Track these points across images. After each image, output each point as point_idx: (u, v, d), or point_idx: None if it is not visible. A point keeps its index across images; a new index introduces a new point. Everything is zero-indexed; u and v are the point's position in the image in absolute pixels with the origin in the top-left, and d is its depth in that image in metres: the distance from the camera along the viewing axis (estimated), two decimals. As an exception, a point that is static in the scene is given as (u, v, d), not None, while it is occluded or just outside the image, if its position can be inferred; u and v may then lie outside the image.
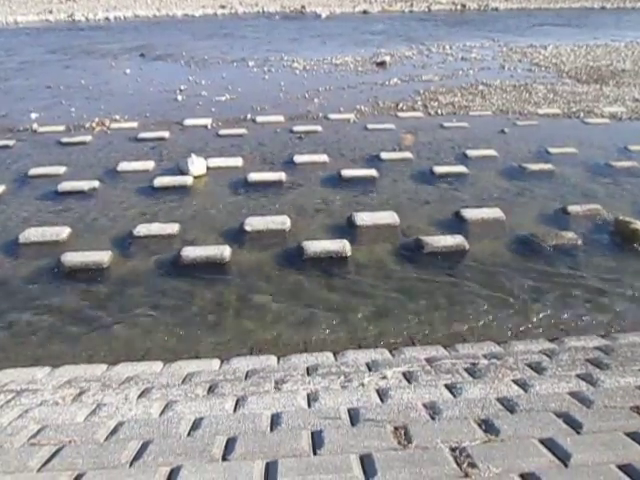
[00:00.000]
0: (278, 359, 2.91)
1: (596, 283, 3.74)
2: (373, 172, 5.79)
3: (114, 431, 1.97)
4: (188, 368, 2.80)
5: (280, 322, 3.36)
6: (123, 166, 6.03)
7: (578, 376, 2.32)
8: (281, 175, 5.72)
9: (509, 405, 2.05)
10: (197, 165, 5.77)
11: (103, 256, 4.08)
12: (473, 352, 2.86)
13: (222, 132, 7.31)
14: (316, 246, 4.15)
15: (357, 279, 3.83)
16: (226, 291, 3.71)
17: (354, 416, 1.99)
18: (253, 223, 4.58)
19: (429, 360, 2.66)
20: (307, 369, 2.61)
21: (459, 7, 22.95)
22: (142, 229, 4.51)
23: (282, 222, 4.61)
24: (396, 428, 1.87)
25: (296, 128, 7.38)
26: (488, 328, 3.28)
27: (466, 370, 2.46)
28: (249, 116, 7.98)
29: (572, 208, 4.84)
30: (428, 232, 4.48)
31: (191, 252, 4.10)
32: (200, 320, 3.41)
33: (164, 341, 3.21)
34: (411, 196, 5.26)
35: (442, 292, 3.66)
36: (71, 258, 4.06)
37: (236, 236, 4.48)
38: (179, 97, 9.11)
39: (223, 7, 22.61)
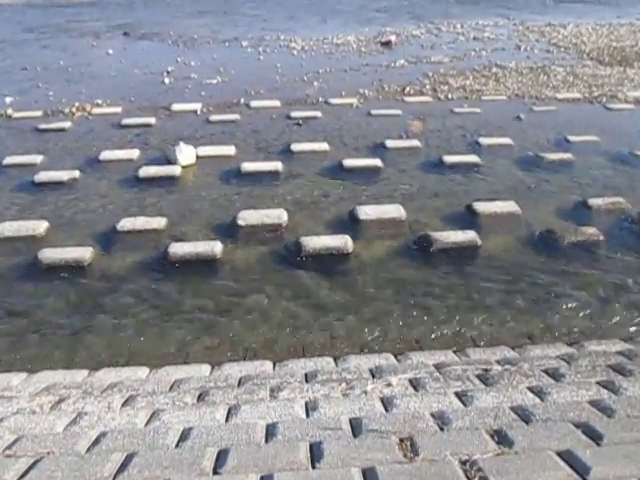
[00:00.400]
0: (274, 365, 2.91)
1: (620, 283, 3.74)
2: (377, 162, 5.78)
3: (96, 442, 1.97)
4: (176, 374, 2.80)
5: (276, 325, 3.37)
6: (105, 155, 6.02)
7: (599, 383, 2.33)
8: (277, 165, 5.70)
9: (524, 415, 2.05)
10: (186, 154, 5.76)
11: (84, 253, 4.08)
12: (485, 357, 2.86)
13: (213, 118, 7.29)
14: (315, 242, 4.15)
15: (360, 278, 3.84)
16: (217, 291, 3.71)
17: (356, 426, 2.00)
18: (247, 217, 4.58)
19: (438, 366, 2.66)
20: (305, 375, 2.62)
21: (471, -18, 22.85)
22: (126, 223, 4.51)
23: (278, 216, 4.60)
24: (402, 439, 1.87)
25: (294, 114, 7.35)
26: (502, 333, 3.28)
27: (478, 377, 2.46)
28: (242, 101, 7.96)
29: (593, 201, 4.84)
30: (437, 227, 4.47)
31: (179, 248, 4.09)
32: (189, 322, 3.41)
33: (150, 345, 3.21)
34: (419, 188, 5.26)
35: (452, 293, 3.66)
36: (49, 255, 4.05)
37: (228, 231, 4.47)
38: (166, 80, 9.09)
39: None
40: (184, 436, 1.98)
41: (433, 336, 3.25)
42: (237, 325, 3.37)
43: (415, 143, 6.32)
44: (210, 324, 3.39)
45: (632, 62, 9.95)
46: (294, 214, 4.73)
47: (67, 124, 7.04)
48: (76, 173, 5.57)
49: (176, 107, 7.71)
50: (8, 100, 8.00)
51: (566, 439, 1.85)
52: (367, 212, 4.63)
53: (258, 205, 4.90)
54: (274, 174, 5.56)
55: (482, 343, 3.17)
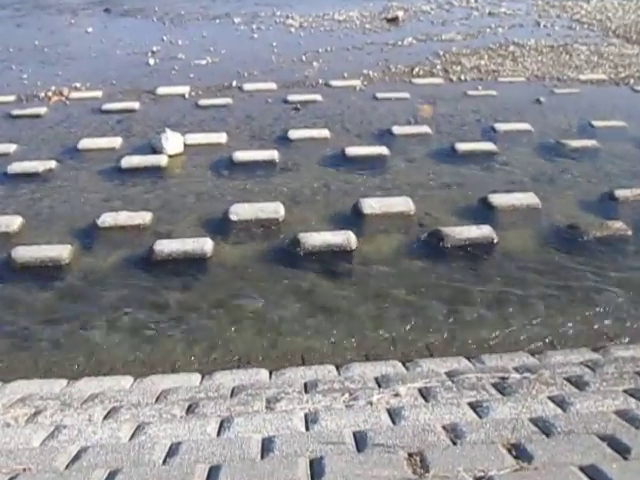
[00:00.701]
0: (270, 373, 2.91)
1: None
2: (383, 150, 5.77)
3: (76, 458, 1.98)
4: (163, 384, 2.80)
5: (272, 329, 3.37)
6: (85, 143, 6.02)
7: (626, 392, 2.32)
8: (273, 154, 5.69)
9: (544, 427, 2.05)
10: (173, 142, 5.76)
11: (61, 251, 4.08)
12: (502, 364, 2.86)
13: (202, 102, 7.28)
14: (315, 239, 4.15)
15: (364, 278, 3.84)
16: (208, 293, 3.71)
17: (360, 440, 2.00)
18: (240, 211, 4.57)
19: (450, 374, 2.67)
20: (305, 385, 2.62)
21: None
22: (108, 219, 4.51)
23: (274, 210, 4.60)
24: (410, 455, 1.87)
25: (291, 97, 7.34)
26: (520, 338, 3.28)
27: (494, 386, 2.46)
28: (235, 83, 7.95)
29: (620, 193, 4.83)
30: (449, 222, 4.47)
31: (166, 246, 4.09)
32: (177, 327, 3.41)
33: (134, 352, 3.21)
34: (429, 179, 5.25)
35: (466, 294, 3.66)
36: (23, 253, 4.05)
37: (219, 227, 4.47)
38: (151, 61, 9.07)
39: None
40: (172, 451, 1.99)
41: (445, 342, 3.25)
42: (230, 330, 3.37)
43: (425, 129, 6.31)
44: (200, 329, 3.39)
45: (663, 40, 9.94)
46: (292, 208, 4.72)
47: (43, 110, 7.03)
48: (52, 163, 5.57)
49: (162, 91, 7.70)
50: (-22, 84, 8.03)
51: (590, 453, 1.85)
52: (372, 205, 4.62)
53: (252, 198, 4.89)
54: (270, 164, 5.55)
55: (499, 350, 3.17)
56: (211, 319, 3.47)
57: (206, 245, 4.12)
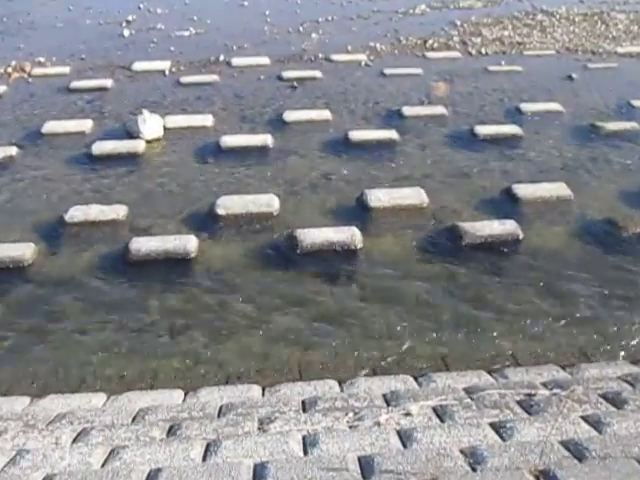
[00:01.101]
0: (263, 390, 2.91)
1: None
2: (393, 134, 5.77)
3: (41, 487, 1.98)
4: (141, 402, 2.79)
5: (266, 340, 3.37)
6: (50, 127, 6.03)
7: (671, 411, 2.33)
8: (266, 139, 5.69)
9: (577, 450, 2.05)
10: (151, 125, 5.76)
11: (24, 250, 4.07)
12: (529, 379, 2.86)
13: (185, 80, 7.29)
14: (315, 236, 4.15)
15: (371, 282, 3.83)
16: (192, 298, 3.71)
17: (366, 466, 2.00)
18: (228, 205, 4.57)
19: (469, 390, 2.66)
20: (303, 403, 2.61)
21: None
22: (77, 213, 4.51)
23: (268, 203, 4.60)
24: (424, 482, 1.88)
25: (287, 74, 7.35)
26: (548, 350, 3.28)
27: (519, 403, 2.46)
28: (222, 58, 7.95)
29: (664, 183, 4.86)
30: (468, 216, 4.47)
31: (143, 245, 4.09)
32: (156, 338, 3.41)
33: (108, 365, 3.21)
34: (445, 167, 5.25)
35: (487, 299, 3.67)
36: (-20, 253, 4.05)
37: (205, 223, 4.47)
38: (126, 32, 9.07)
39: None
40: (151, 479, 1.99)
41: (463, 354, 3.25)
42: (217, 342, 3.37)
43: (440, 110, 6.31)
44: (183, 339, 3.39)
45: None
46: (288, 201, 4.72)
47: (1, 88, 7.03)
48: (13, 150, 5.57)
49: (138, 66, 7.72)
50: None
51: (629, 480, 1.86)
52: (380, 198, 4.62)
53: (242, 189, 4.88)
54: (262, 150, 5.54)
55: (525, 360, 3.18)
56: (195, 329, 3.46)
57: (189, 243, 4.12)
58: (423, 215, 4.52)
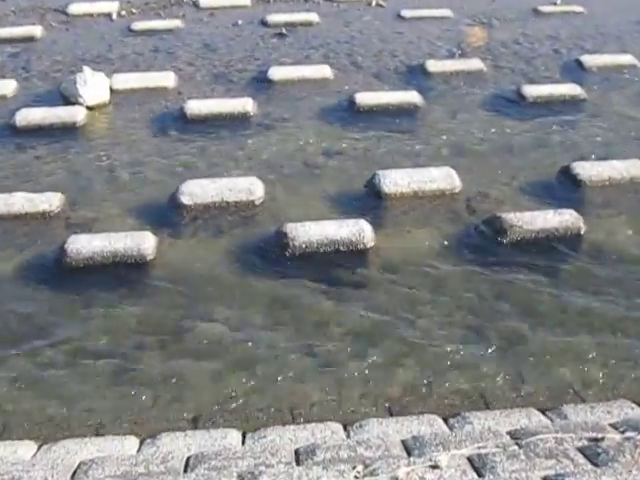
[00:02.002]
0: (244, 435, 2.89)
1: None
2: (414, 97, 5.77)
3: None
4: (83, 452, 2.76)
5: (246, 371, 3.35)
6: (-40, 90, 6.03)
7: None
8: (246, 104, 5.69)
9: (660, 516, 2.04)
10: (93, 87, 5.75)
11: None
12: (594, 419, 2.85)
13: (138, 26, 7.29)
14: (310, 232, 4.14)
15: (384, 293, 3.82)
16: (147, 316, 3.69)
17: (381, 539, 1.98)
18: (196, 191, 4.56)
19: (516, 434, 2.64)
20: (296, 453, 2.59)
21: None
22: (-4, 203, 4.52)
23: (248, 189, 4.59)
24: None
25: (273, 18, 7.35)
26: (619, 381, 3.27)
27: (582, 451, 2.44)
28: (187, -4, 7.96)
29: None
30: (513, 205, 4.47)
31: (84, 245, 4.08)
32: (101, 367, 3.39)
33: (38, 404, 3.19)
34: (482, 139, 5.24)
35: (539, 315, 3.65)
36: None
37: (165, 215, 4.47)
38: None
39: None
40: None
41: (508, 387, 3.24)
42: (181, 371, 3.35)
43: (476, 65, 6.32)
44: (136, 370, 3.37)
45: None
46: (275, 185, 4.71)
47: None
48: None
49: (76, 8, 7.71)
50: None
51: None
52: (397, 181, 4.61)
53: (215, 171, 4.87)
54: (241, 119, 5.54)
55: (590, 397, 3.17)
56: (151, 356, 3.45)
57: (145, 243, 4.10)
58: (454, 204, 4.52)
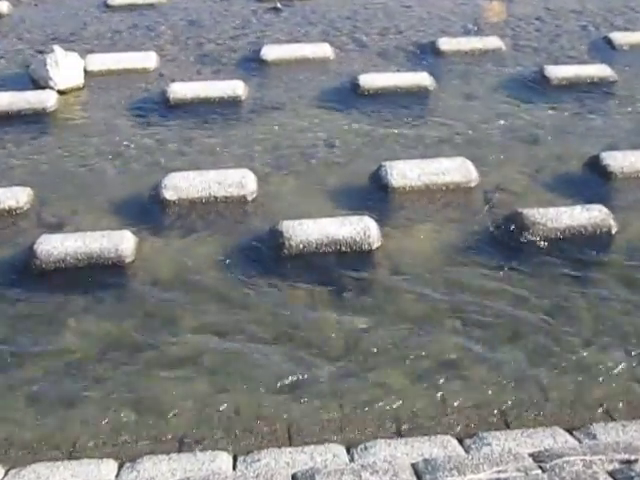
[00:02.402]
0: (235, 459, 2.89)
1: None
2: (424, 79, 5.79)
3: None
4: (55, 477, 2.76)
5: (237, 384, 3.35)
6: None
7: None
8: (236, 87, 5.70)
9: None
10: (66, 69, 5.75)
11: None
12: (626, 439, 2.84)
13: (115, 1, 7.29)
14: (309, 231, 4.13)
15: (391, 300, 3.81)
16: (127, 323, 3.69)
17: None
18: (180, 185, 4.56)
19: (539, 456, 2.63)
20: (294, 478, 2.58)
21: None
22: (-44, 199, 4.51)
23: (239, 182, 4.59)
24: None
25: (266, -10, 7.38)
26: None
27: (613, 475, 2.43)
28: (170, -34, 7.93)
29: None
30: (536, 200, 4.47)
31: (56, 245, 4.08)
32: (76, 380, 3.38)
33: (4, 424, 3.18)
34: (501, 127, 5.25)
35: (566, 325, 3.64)
36: None
37: (147, 212, 4.48)
38: None
39: None
40: None
41: (530, 404, 3.24)
42: (165, 387, 3.34)
43: (494, 43, 6.33)
44: (116, 385, 3.36)
45: None
46: (269, 179, 4.72)
47: None
48: None
49: (47, -19, 7.71)
50: None
51: None
52: (405, 174, 4.61)
53: (201, 162, 4.88)
54: (231, 104, 5.55)
55: (621, 415, 3.16)
56: (131, 370, 3.44)
57: (124, 243, 4.10)
58: (470, 198, 4.53)
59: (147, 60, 6.18)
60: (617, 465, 2.53)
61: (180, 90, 5.65)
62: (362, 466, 2.68)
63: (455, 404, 3.25)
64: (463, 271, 4.00)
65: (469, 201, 4.51)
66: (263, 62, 6.10)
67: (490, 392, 3.31)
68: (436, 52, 6.23)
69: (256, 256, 4.12)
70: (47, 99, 5.61)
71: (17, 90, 5.71)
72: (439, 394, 3.30)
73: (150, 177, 4.74)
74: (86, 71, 5.92)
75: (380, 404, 3.26)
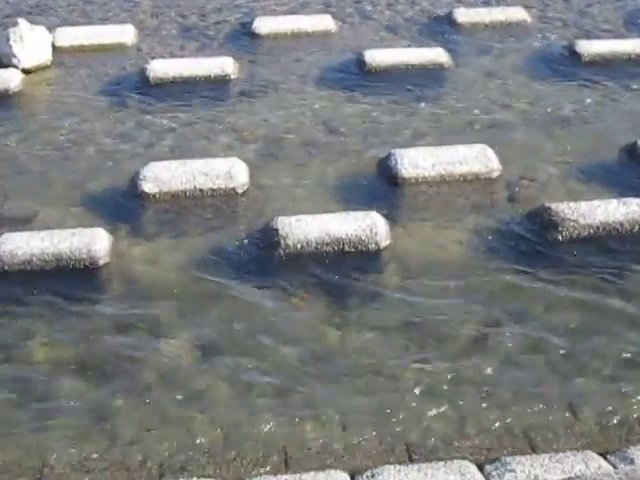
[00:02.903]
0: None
1: None
2: (439, 54, 5.82)
3: None
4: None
5: (225, 406, 3.35)
6: None
7: None
8: (226, 64, 5.72)
9: None
10: (31, 44, 5.76)
11: None
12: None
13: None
14: (308, 228, 4.14)
15: (402, 309, 3.81)
16: (101, 334, 3.68)
17: None
18: (162, 176, 4.57)
19: (569, 486, 2.67)
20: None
21: None
22: None
23: (229, 173, 4.59)
24: None
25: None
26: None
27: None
28: None
29: None
30: (566, 192, 4.48)
31: (21, 245, 4.08)
32: (39, 400, 3.39)
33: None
34: (526, 109, 5.26)
35: (601, 335, 3.63)
36: None
37: (123, 207, 4.50)
38: None
39: None
40: None
41: (559, 425, 3.23)
42: (142, 409, 3.35)
43: (517, 14, 6.36)
44: (89, 408, 3.36)
45: None
46: (262, 169, 4.73)
47: None
48: None
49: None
50: None
51: None
52: (417, 163, 4.61)
53: (185, 150, 4.89)
54: (219, 83, 5.57)
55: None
56: (107, 382, 3.44)
57: (97, 242, 4.10)
58: (491, 190, 4.54)
59: (124, 34, 6.19)
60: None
61: (161, 68, 5.66)
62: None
63: (475, 426, 3.26)
64: (484, 274, 4.01)
65: (490, 194, 4.53)
66: (255, 36, 6.12)
67: (514, 413, 3.31)
68: (452, 24, 6.26)
69: (247, 258, 4.13)
70: (10, 79, 5.62)
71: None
72: (457, 414, 3.31)
73: (127, 167, 4.75)
74: (54, 47, 5.94)
75: (388, 426, 3.26)
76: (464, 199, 4.49)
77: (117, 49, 6.03)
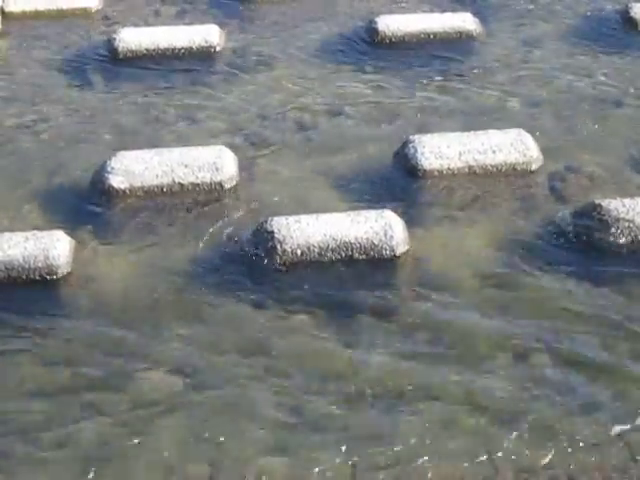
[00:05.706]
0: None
1: None
2: (466, 21, 5.87)
3: None
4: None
5: (210, 440, 3.36)
6: None
7: None
8: (209, 33, 5.78)
9: None
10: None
11: None
12: None
13: None
14: (308, 231, 4.16)
15: (423, 325, 3.82)
16: (58, 357, 3.70)
17: None
18: (133, 168, 4.59)
19: None
20: None
21: None
22: None
23: (214, 164, 4.62)
24: None
25: None
26: None
27: None
28: None
29: None
30: (619, 187, 4.50)
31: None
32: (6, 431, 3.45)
33: None
34: (571, 87, 5.30)
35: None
36: None
37: (87, 205, 4.53)
38: None
39: None
40: None
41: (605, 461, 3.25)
42: (116, 443, 3.34)
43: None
44: (58, 437, 3.37)
45: None
46: (254, 159, 4.77)
47: None
48: None
49: None
50: None
51: None
52: (441, 151, 4.63)
53: (160, 138, 4.95)
54: (202, 56, 5.63)
55: None
56: (64, 420, 3.45)
57: (57, 248, 4.12)
58: (529, 185, 4.56)
59: (87, -2, 6.17)
60: None
61: (132, 38, 5.68)
62: None
63: (506, 464, 3.25)
64: (523, 285, 4.02)
65: (529, 189, 4.54)
66: (249, 1, 6.11)
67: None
68: (482, -16, 6.22)
69: (237, 266, 4.15)
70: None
71: None
72: (488, 452, 3.31)
73: (92, 157, 4.77)
74: (4, 12, 5.96)
75: (400, 464, 3.27)
76: (497, 195, 4.50)
77: (79, 16, 6.05)
